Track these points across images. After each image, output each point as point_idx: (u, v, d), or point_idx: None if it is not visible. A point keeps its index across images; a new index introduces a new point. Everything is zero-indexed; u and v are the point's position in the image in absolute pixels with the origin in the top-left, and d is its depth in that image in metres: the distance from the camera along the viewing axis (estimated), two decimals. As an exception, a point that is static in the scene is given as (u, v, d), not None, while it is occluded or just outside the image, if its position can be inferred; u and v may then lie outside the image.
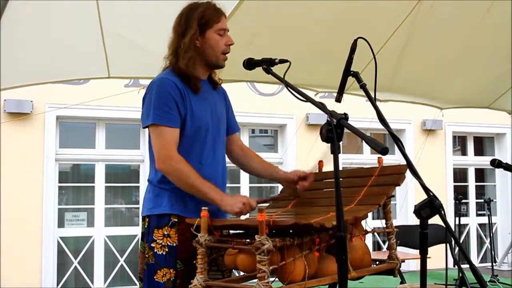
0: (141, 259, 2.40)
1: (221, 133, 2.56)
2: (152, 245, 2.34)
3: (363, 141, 1.88)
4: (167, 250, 2.32)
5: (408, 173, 2.15)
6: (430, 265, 2.02)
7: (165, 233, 2.34)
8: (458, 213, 6.54)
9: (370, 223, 2.48)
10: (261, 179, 9.36)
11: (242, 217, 2.32)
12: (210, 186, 2.28)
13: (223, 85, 2.69)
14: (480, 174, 10.88)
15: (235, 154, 2.71)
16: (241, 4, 4.12)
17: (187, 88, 2.39)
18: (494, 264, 7.02)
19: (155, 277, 2.31)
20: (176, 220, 2.35)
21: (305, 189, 2.53)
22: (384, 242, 9.35)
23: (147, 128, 2.40)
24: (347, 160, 8.64)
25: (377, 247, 9.59)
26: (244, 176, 8.74)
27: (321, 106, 2.00)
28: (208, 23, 2.42)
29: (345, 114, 1.90)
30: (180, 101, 2.35)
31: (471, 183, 10.66)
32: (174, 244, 2.33)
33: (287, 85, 2.12)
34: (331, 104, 2.08)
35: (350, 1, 4.37)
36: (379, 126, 2.14)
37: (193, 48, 2.40)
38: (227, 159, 2.63)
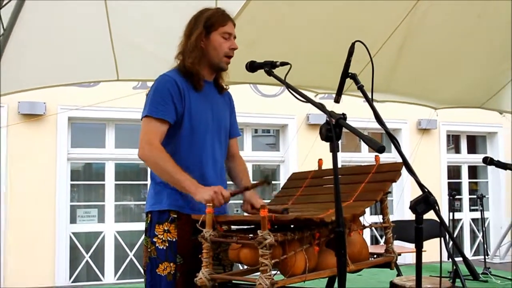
0: (145, 253, 2.40)
1: (222, 135, 2.54)
2: (154, 240, 2.34)
3: (361, 140, 1.87)
4: (167, 245, 2.32)
5: (404, 171, 2.14)
6: (425, 258, 2.01)
7: (166, 228, 2.33)
8: (452, 208, 6.54)
9: (368, 218, 2.48)
10: (263, 177, 9.38)
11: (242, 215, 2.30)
12: (185, 176, 2.24)
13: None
14: (473, 171, 10.87)
15: (226, 159, 2.68)
16: (243, 10, 4.13)
17: (190, 85, 2.39)
18: (486, 257, 7.01)
19: (157, 271, 2.32)
20: (175, 216, 2.34)
21: (248, 212, 2.48)
22: (381, 237, 9.34)
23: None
24: (345, 158, 8.65)
25: (374, 241, 9.58)
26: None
27: (320, 106, 2.00)
28: (213, 25, 2.42)
29: (344, 114, 1.89)
30: (177, 97, 2.34)
31: (464, 180, 10.65)
32: (174, 239, 2.33)
33: (288, 86, 2.12)
34: (330, 105, 2.08)
35: (349, 6, 4.37)
36: (376, 125, 2.14)
37: (198, 48, 2.40)
38: None
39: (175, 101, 2.33)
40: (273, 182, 9.26)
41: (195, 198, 2.21)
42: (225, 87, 2.60)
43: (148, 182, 9.17)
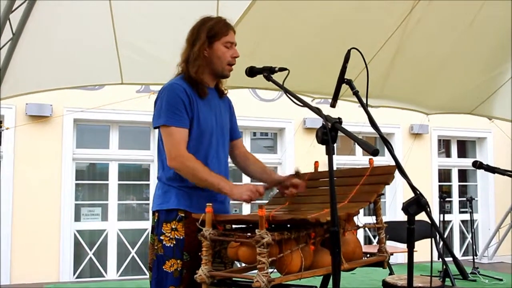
0: (151, 250, 2.40)
1: (225, 137, 2.56)
2: (161, 237, 2.34)
3: (356, 144, 1.87)
4: (174, 242, 2.32)
5: (396, 173, 2.15)
6: (416, 258, 2.01)
7: (173, 227, 2.33)
8: (443, 210, 6.54)
9: (362, 219, 2.48)
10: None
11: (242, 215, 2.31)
12: (219, 178, 2.29)
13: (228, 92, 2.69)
14: (463, 174, 10.87)
15: (238, 159, 2.70)
16: (243, 18, 4.14)
17: (195, 93, 2.40)
18: (475, 257, 7.01)
19: (163, 267, 2.31)
20: (183, 215, 2.34)
21: (293, 195, 2.51)
22: (374, 237, 9.34)
23: (157, 129, 2.41)
24: (340, 161, 8.64)
25: (368, 241, 9.57)
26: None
27: (317, 111, 2.00)
28: (216, 35, 2.42)
29: (339, 119, 1.89)
30: (188, 105, 2.35)
31: (455, 183, 10.65)
32: (181, 237, 2.32)
33: (286, 91, 2.12)
34: (326, 109, 2.08)
35: (345, 15, 4.38)
36: (371, 130, 2.14)
37: (202, 57, 2.41)
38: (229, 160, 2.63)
39: (187, 109, 2.35)
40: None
41: (232, 197, 2.25)
42: (225, 91, 2.61)
43: (150, 182, 9.12)
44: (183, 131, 2.34)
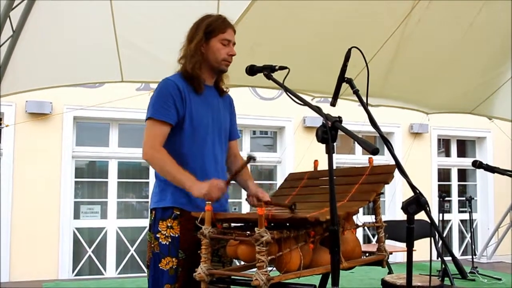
0: (148, 248, 2.40)
1: (222, 137, 2.54)
2: (157, 235, 2.34)
3: (356, 143, 1.87)
4: (170, 240, 2.32)
5: (396, 173, 2.15)
6: (415, 257, 2.01)
7: (169, 224, 2.34)
8: (442, 209, 6.53)
9: (361, 217, 2.48)
10: (261, 177, 9.38)
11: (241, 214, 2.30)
12: (184, 173, 2.25)
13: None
14: (462, 174, 10.88)
15: (228, 159, 2.68)
16: (243, 16, 4.14)
17: (191, 88, 2.40)
18: (474, 256, 7.01)
19: (159, 265, 2.32)
20: (178, 213, 2.35)
21: (254, 205, 2.48)
22: (373, 236, 9.34)
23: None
24: (340, 160, 8.64)
25: (367, 240, 9.58)
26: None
27: (317, 109, 2.00)
28: (213, 32, 2.43)
29: (339, 117, 1.89)
30: (179, 100, 2.35)
31: (454, 183, 10.66)
32: (177, 235, 2.33)
33: (286, 90, 2.12)
34: (326, 108, 2.08)
35: (346, 14, 4.38)
36: (371, 129, 2.14)
37: (199, 54, 2.42)
38: None
39: (176, 104, 2.34)
40: (270, 182, 9.26)
41: (193, 194, 2.21)
42: (225, 89, 2.60)
43: (150, 180, 9.13)
44: (165, 126, 2.34)
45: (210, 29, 2.42)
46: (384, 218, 2.51)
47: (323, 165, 2.11)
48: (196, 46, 2.41)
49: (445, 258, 5.40)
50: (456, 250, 10.36)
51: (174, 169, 2.26)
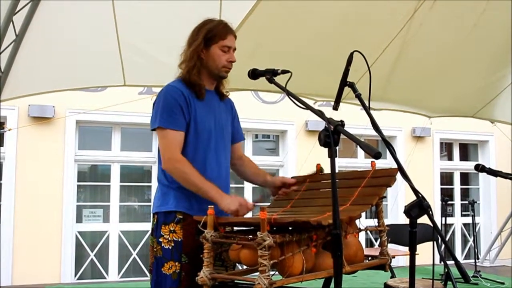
0: (151, 252, 2.40)
1: (225, 140, 2.54)
2: (160, 240, 2.33)
3: (358, 146, 1.87)
4: (173, 245, 2.31)
5: (398, 176, 2.14)
6: (418, 261, 2.00)
7: (171, 229, 2.33)
8: (445, 213, 6.52)
9: (364, 221, 2.47)
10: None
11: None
12: (211, 186, 2.27)
13: (230, 94, 2.68)
14: (465, 178, 10.86)
15: (233, 161, 2.68)
16: (245, 20, 4.14)
17: (192, 94, 2.39)
18: (477, 260, 7.00)
19: (162, 269, 2.31)
20: (181, 217, 2.34)
21: (285, 194, 2.52)
22: (376, 240, 9.32)
23: (154, 131, 2.40)
24: (342, 163, 8.64)
25: (369, 244, 9.56)
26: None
27: (319, 113, 1.99)
28: (213, 38, 2.41)
29: (342, 121, 1.89)
30: (185, 106, 2.35)
31: (457, 186, 10.63)
32: (179, 239, 2.32)
33: (289, 94, 2.11)
34: (328, 112, 2.07)
35: (348, 18, 4.39)
36: (373, 132, 2.13)
37: (196, 58, 2.41)
38: None
39: (183, 111, 2.34)
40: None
41: (220, 206, 2.21)
42: (225, 93, 2.60)
43: (152, 183, 9.12)
44: (178, 134, 2.33)
45: (210, 35, 2.41)
46: (387, 222, 2.51)
47: (326, 169, 2.10)
48: (193, 51, 2.40)
49: (448, 262, 5.39)
50: (458, 254, 10.33)
51: (198, 180, 2.26)
